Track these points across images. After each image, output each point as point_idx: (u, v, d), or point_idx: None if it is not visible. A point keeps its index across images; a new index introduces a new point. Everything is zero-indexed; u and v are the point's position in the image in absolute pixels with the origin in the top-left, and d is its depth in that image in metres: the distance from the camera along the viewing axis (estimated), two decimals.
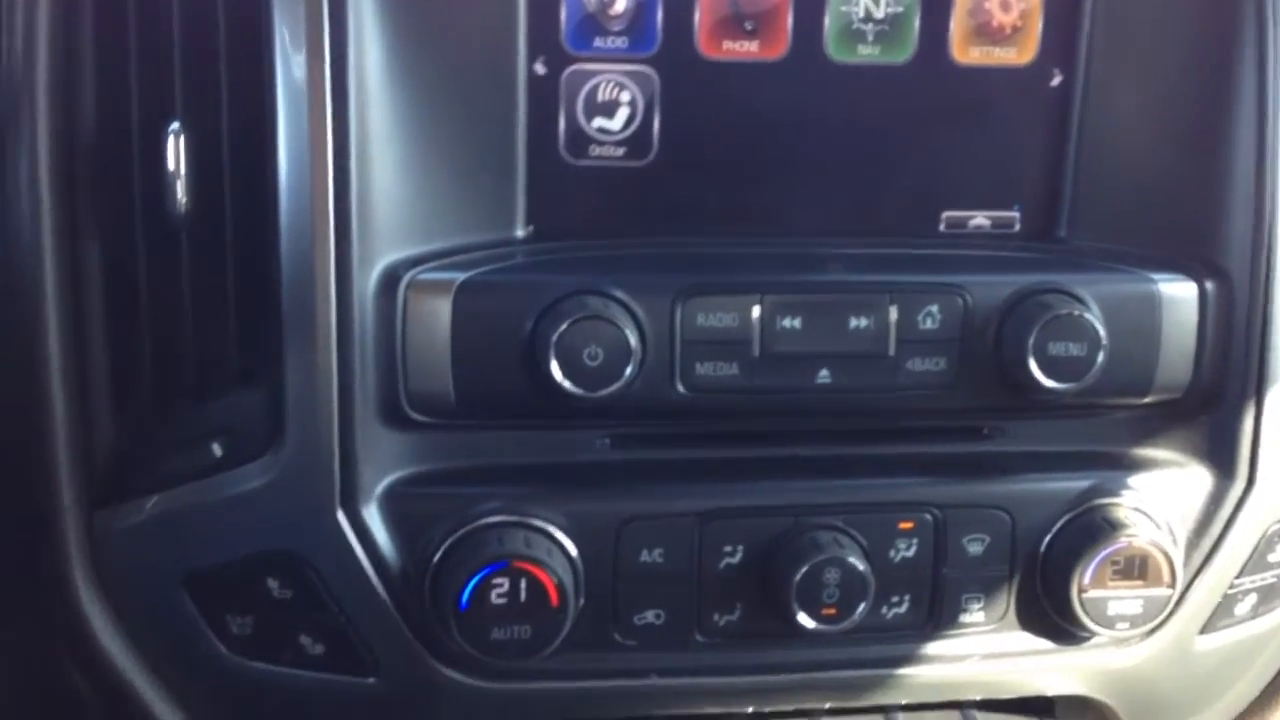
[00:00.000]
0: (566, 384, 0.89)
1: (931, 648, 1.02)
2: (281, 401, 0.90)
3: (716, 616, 0.98)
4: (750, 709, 1.06)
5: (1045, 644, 1.04)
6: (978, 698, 1.08)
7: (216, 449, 0.92)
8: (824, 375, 0.95)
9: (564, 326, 0.89)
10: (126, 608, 0.96)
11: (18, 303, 0.90)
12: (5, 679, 1.03)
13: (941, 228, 1.02)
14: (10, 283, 0.90)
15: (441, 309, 0.91)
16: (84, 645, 0.96)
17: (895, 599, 1.00)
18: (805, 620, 0.95)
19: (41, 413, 0.91)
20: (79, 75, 0.89)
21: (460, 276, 0.91)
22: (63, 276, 0.90)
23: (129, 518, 0.94)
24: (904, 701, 1.06)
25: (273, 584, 0.93)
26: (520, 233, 0.96)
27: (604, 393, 0.90)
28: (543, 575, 0.92)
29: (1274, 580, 1.06)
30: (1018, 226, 1.03)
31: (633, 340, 0.90)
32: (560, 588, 0.92)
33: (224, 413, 0.93)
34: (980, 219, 1.03)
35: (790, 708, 1.05)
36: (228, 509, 0.92)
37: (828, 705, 1.07)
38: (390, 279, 0.90)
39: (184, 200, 0.88)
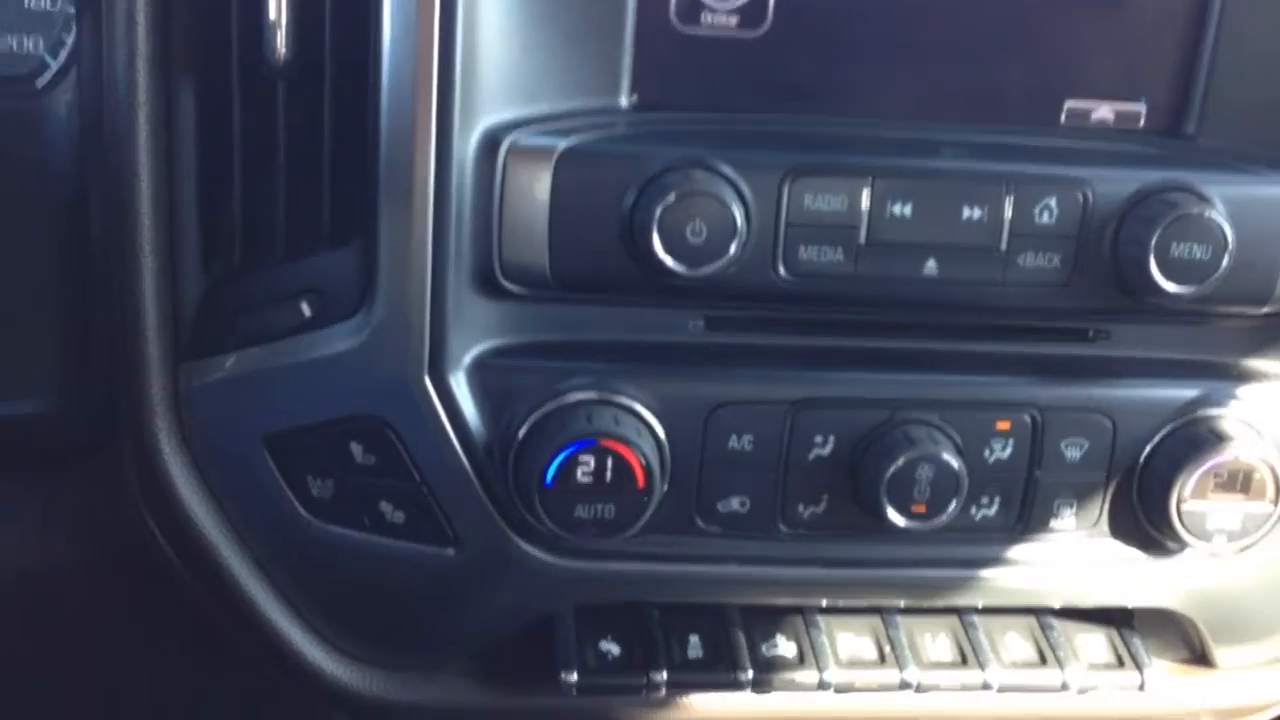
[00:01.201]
0: (668, 260, 0.85)
1: (1017, 551, 0.99)
2: (374, 263, 0.86)
3: (801, 508, 0.95)
4: (824, 602, 1.03)
5: (1134, 554, 1.00)
6: (1057, 605, 1.05)
7: (305, 308, 0.89)
8: (931, 267, 0.91)
9: (669, 200, 0.84)
10: (208, 464, 0.94)
11: (111, 152, 0.86)
12: (87, 531, 1.02)
13: (1063, 118, 0.96)
14: (105, 132, 0.86)
15: (542, 176, 0.86)
16: (164, 499, 0.94)
17: (985, 500, 0.96)
18: (895, 517, 0.92)
19: (131, 263, 0.88)
20: None
21: (563, 143, 0.86)
22: (157, 126, 0.87)
23: (213, 373, 0.91)
24: (982, 604, 1.03)
25: (355, 448, 0.90)
26: (624, 102, 0.91)
27: (705, 271, 0.86)
28: (630, 455, 0.88)
29: None
30: (1143, 121, 0.96)
31: (739, 218, 0.85)
32: (647, 469, 0.89)
33: (313, 272, 0.90)
34: (1104, 111, 0.96)
35: (866, 604, 1.02)
36: (313, 370, 0.89)
37: (903, 604, 1.04)
38: (491, 142, 0.86)
39: (283, 50, 0.84)
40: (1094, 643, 1.07)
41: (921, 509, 0.92)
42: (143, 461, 0.93)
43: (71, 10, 0.89)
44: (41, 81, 0.90)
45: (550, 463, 0.88)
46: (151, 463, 0.93)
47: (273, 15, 0.84)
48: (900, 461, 0.91)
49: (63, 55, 0.90)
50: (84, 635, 1.07)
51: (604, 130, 0.88)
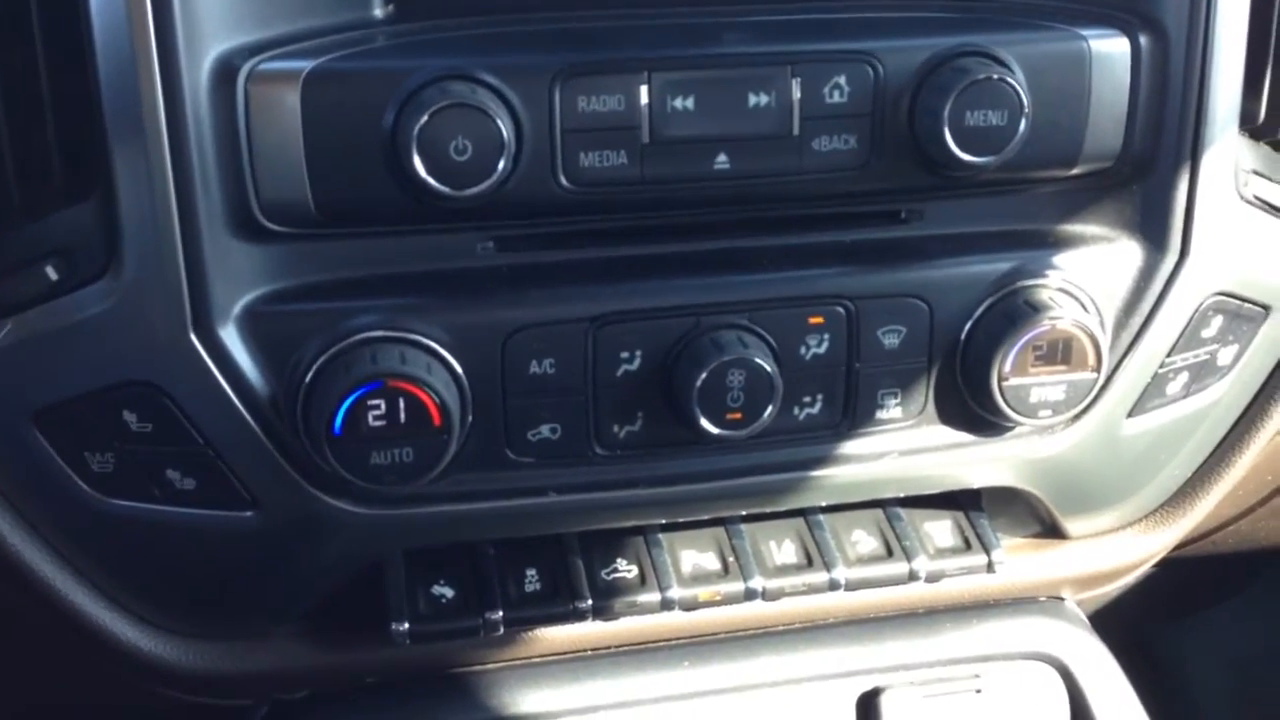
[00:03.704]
0: (432, 182, 0.76)
1: (847, 447, 0.92)
2: (115, 215, 0.77)
3: (616, 428, 0.87)
4: (662, 521, 0.96)
5: (966, 437, 0.94)
6: (899, 495, 0.99)
7: (50, 272, 0.79)
8: (722, 161, 0.83)
9: (425, 117, 0.75)
10: None
11: None
12: None
13: None
14: None
15: (289, 103, 0.77)
16: None
17: (807, 399, 0.89)
18: (709, 426, 0.84)
19: None
20: None
21: (307, 65, 0.77)
22: None
23: None
24: (821, 504, 0.97)
25: (129, 417, 0.81)
26: (378, 12, 0.81)
27: (474, 190, 0.77)
28: (422, 394, 0.80)
29: (1206, 357, 0.96)
30: None
31: (505, 130, 0.77)
32: (442, 407, 0.80)
33: (54, 231, 0.79)
34: None
35: (706, 517, 0.95)
36: (69, 337, 0.79)
37: (744, 512, 0.98)
38: (225, 70, 0.76)
39: None
40: (941, 529, 1.02)
41: (737, 416, 0.85)
42: None
43: None
44: None
45: (337, 410, 0.79)
46: None
47: None
48: (709, 369, 0.83)
49: None
50: None
51: (355, 46, 0.79)
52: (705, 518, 0.97)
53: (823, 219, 0.89)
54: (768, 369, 0.84)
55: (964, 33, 0.84)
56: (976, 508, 1.02)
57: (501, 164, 0.77)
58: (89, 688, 1.03)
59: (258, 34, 0.77)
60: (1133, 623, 1.20)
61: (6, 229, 0.79)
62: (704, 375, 0.83)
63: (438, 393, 0.80)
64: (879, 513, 1.01)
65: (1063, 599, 1.10)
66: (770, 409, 0.85)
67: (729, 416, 0.85)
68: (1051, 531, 1.06)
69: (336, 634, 0.94)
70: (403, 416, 0.80)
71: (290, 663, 0.94)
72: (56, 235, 0.79)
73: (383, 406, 0.80)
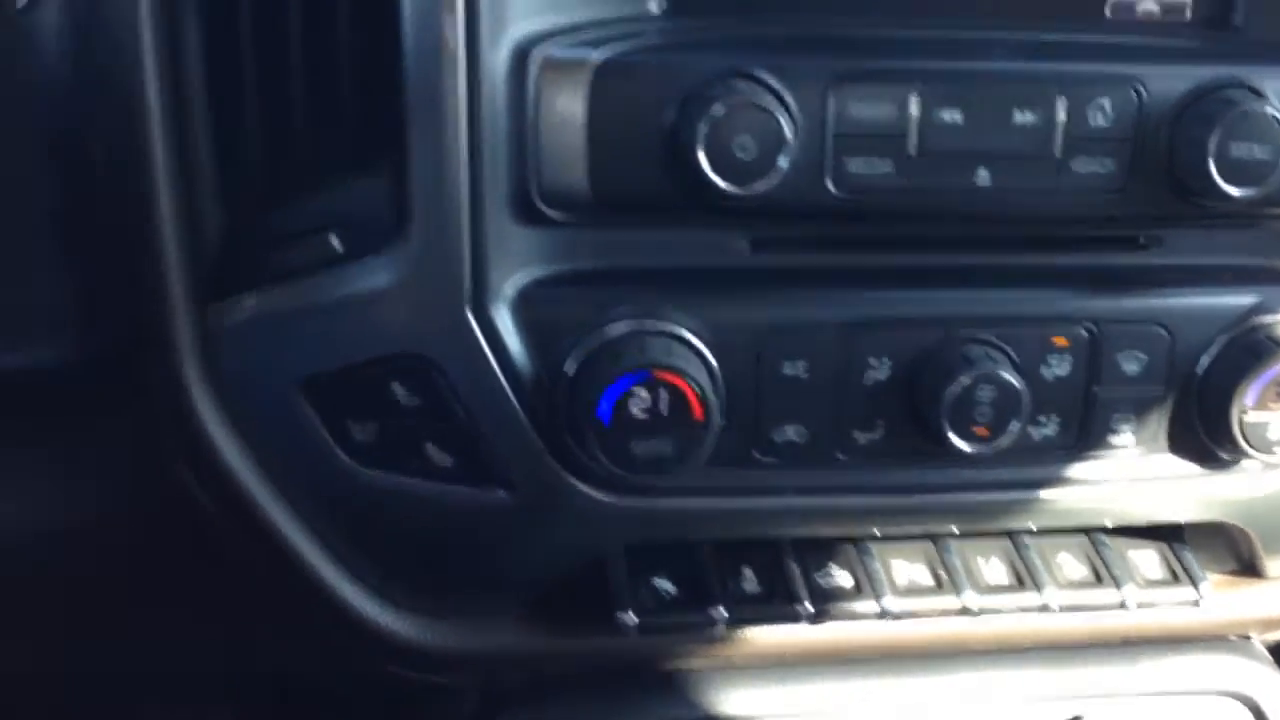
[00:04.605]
0: (715, 178, 0.77)
1: (1076, 471, 0.91)
2: (407, 190, 0.78)
3: (859, 434, 0.87)
4: (878, 531, 0.96)
5: (1191, 469, 0.93)
6: (1111, 524, 0.98)
7: (335, 242, 0.80)
8: (983, 176, 0.83)
9: (715, 114, 0.76)
10: (243, 411, 0.85)
11: (116, 79, 0.77)
12: (122, 487, 0.93)
13: (1107, 13, 0.88)
14: (102, 56, 0.77)
15: (578, 90, 0.78)
16: (200, 450, 0.85)
17: (1043, 419, 0.89)
18: (957, 440, 0.84)
19: (147, 201, 0.79)
20: None
21: (597, 54, 0.78)
22: (162, 54, 0.78)
23: (241, 313, 0.83)
24: (1039, 526, 0.96)
25: (398, 389, 0.82)
26: (654, 7, 0.83)
27: (755, 188, 0.78)
28: (686, 387, 0.81)
29: None
30: (1189, 14, 0.88)
31: (787, 130, 0.77)
32: (704, 400, 0.81)
33: (341, 202, 0.81)
34: (1149, 4, 0.88)
35: (920, 531, 0.95)
36: (347, 307, 0.81)
37: (957, 530, 0.97)
38: (520, 54, 0.78)
39: None
40: (1146, 559, 1.00)
41: (983, 431, 0.85)
42: (174, 410, 0.84)
43: None
44: (21, 2, 0.81)
45: (604, 397, 0.80)
46: (183, 412, 0.84)
47: None
48: (961, 383, 0.83)
49: None
50: (120, 593, 0.99)
51: (638, 39, 0.80)
52: (919, 531, 0.97)
53: (1066, 241, 0.89)
54: (1017, 385, 0.84)
55: (1224, 63, 0.84)
56: (1179, 540, 1.01)
57: (782, 163, 0.77)
58: (313, 656, 1.04)
59: (549, 21, 0.79)
60: None
61: (293, 196, 0.81)
62: (955, 388, 0.83)
63: (700, 386, 0.81)
64: (1084, 538, 1.00)
65: (1249, 638, 1.08)
66: (1016, 425, 0.85)
67: (975, 431, 0.85)
68: (1248, 569, 1.04)
69: (560, 621, 0.94)
70: (665, 408, 0.81)
71: (514, 644, 0.94)
72: (342, 206, 0.81)
73: (647, 397, 0.80)
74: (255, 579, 0.91)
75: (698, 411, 0.81)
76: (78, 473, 0.92)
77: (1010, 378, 0.84)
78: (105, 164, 0.82)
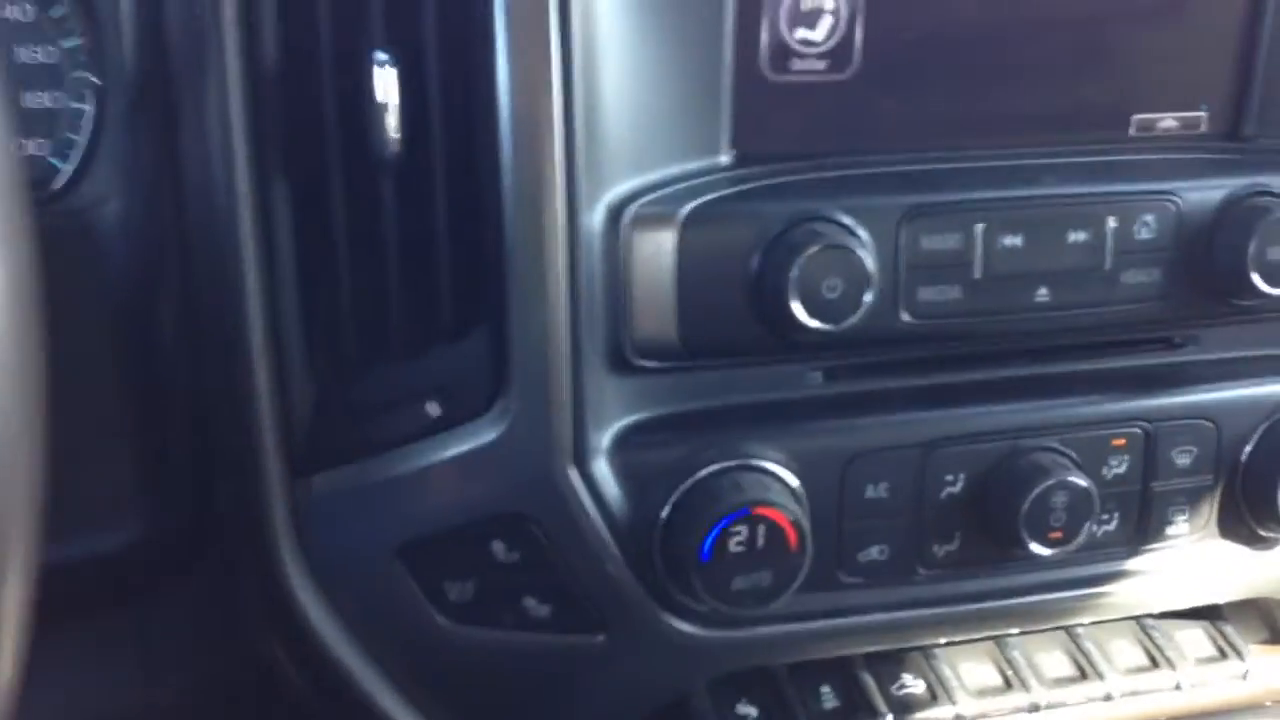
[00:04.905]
0: (807, 319, 0.79)
1: (1134, 563, 0.95)
2: (506, 352, 0.79)
3: (937, 548, 0.90)
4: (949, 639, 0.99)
5: (1238, 550, 0.97)
6: (1163, 609, 1.02)
7: (433, 408, 0.80)
8: (1043, 293, 0.87)
9: (803, 258, 0.79)
10: (336, 582, 0.84)
11: (213, 260, 0.77)
12: (215, 665, 0.91)
13: (1132, 131, 0.93)
14: (210, 240, 0.77)
15: (666, 243, 0.80)
16: (292, 623, 0.84)
17: (1105, 517, 0.92)
18: (1035, 546, 0.88)
19: (244, 375, 0.79)
20: (265, 8, 0.76)
21: (685, 208, 0.80)
22: (258, 229, 0.78)
23: (337, 485, 0.82)
24: (1102, 619, 1.00)
25: (498, 547, 0.82)
26: (724, 159, 0.85)
27: (847, 324, 0.80)
28: (782, 519, 0.82)
29: None
30: (1204, 127, 0.94)
31: (871, 267, 0.80)
32: (799, 530, 0.83)
33: (436, 369, 0.81)
34: (1169, 120, 0.94)
35: (1011, 632, 0.98)
36: (448, 472, 0.81)
37: (1017, 631, 1.00)
38: (614, 214, 0.79)
39: (395, 136, 0.75)
40: (1193, 638, 1.04)
41: (1058, 535, 0.88)
42: (266, 586, 0.83)
43: (86, 107, 0.80)
44: (57, 185, 0.80)
45: (706, 537, 0.81)
46: (277, 587, 0.83)
47: (380, 98, 0.75)
48: (1036, 490, 0.87)
49: (76, 156, 0.81)
50: None
51: (716, 191, 0.82)
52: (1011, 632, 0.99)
53: (1107, 345, 0.93)
54: (1089, 489, 0.87)
55: (1254, 174, 0.89)
56: (1220, 617, 1.06)
57: (868, 297, 0.80)
58: None
59: (636, 180, 0.81)
60: None
61: (383, 366, 0.81)
62: (1031, 496, 0.87)
63: (796, 517, 0.82)
64: (1134, 624, 1.04)
65: None
66: (1088, 526, 0.88)
67: (1051, 535, 0.88)
68: (1277, 638, 1.09)
69: None
70: (761, 541, 0.82)
71: None
72: (438, 372, 0.81)
73: (745, 533, 0.82)
74: None
75: (793, 542, 0.83)
76: (157, 655, 0.90)
77: (1081, 481, 0.87)
78: (169, 343, 0.82)
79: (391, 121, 0.75)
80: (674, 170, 0.82)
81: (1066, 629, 1.03)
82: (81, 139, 0.81)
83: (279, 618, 0.84)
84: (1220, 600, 1.01)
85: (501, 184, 0.76)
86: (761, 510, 0.82)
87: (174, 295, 0.83)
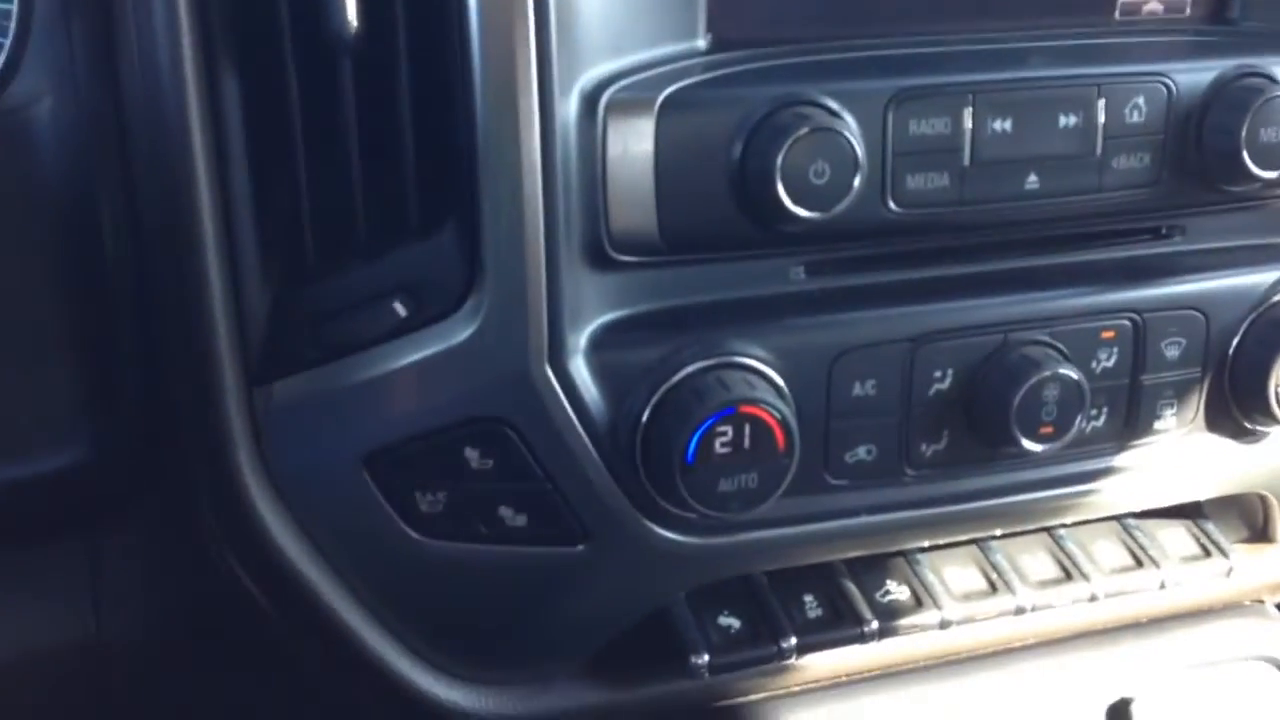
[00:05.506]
0: (794, 207, 0.76)
1: (1121, 459, 0.93)
2: (478, 248, 0.75)
3: (924, 447, 0.87)
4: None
5: (1226, 444, 0.96)
6: (1151, 506, 1.00)
7: (399, 308, 0.76)
8: (1032, 181, 0.84)
9: (789, 141, 0.75)
10: (299, 496, 0.80)
11: (161, 157, 0.72)
12: (172, 590, 0.87)
13: (1117, 15, 0.90)
14: (156, 135, 0.72)
15: (643, 130, 0.76)
16: (253, 541, 0.80)
17: (1094, 412, 0.90)
18: (1026, 441, 0.85)
19: (194, 281, 0.74)
20: None
21: (662, 92, 0.76)
22: (206, 123, 0.73)
23: (297, 393, 0.78)
24: (1108, 514, 0.98)
25: (471, 454, 0.79)
26: (701, 43, 0.81)
27: (834, 212, 0.77)
28: (769, 418, 0.79)
29: None
30: (1188, 10, 0.91)
31: (859, 151, 0.77)
32: (786, 430, 0.80)
33: (401, 268, 0.77)
34: (1154, 3, 0.91)
35: (994, 533, 0.96)
36: (417, 374, 0.77)
37: (999, 532, 0.99)
38: (589, 100, 0.75)
39: (354, 21, 0.70)
40: (1176, 537, 1.03)
41: (1049, 430, 0.86)
42: (224, 501, 0.79)
43: (9, 5, 0.75)
44: None
45: (690, 438, 0.78)
46: (236, 503, 0.79)
47: None
48: (1028, 384, 0.84)
49: (1, 56, 0.75)
50: (162, 701, 0.92)
51: (696, 75, 0.78)
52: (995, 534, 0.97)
53: (1099, 236, 0.91)
54: (1080, 381, 0.85)
55: (1238, 55, 0.86)
56: (1201, 515, 1.04)
57: (857, 183, 0.77)
58: None
59: (610, 65, 0.76)
60: None
61: (352, 265, 0.77)
62: (1023, 390, 0.84)
63: (783, 415, 0.79)
64: (1115, 525, 1.03)
65: (1264, 602, 1.13)
66: (1079, 420, 0.86)
67: (1042, 430, 0.86)
68: (1259, 536, 1.08)
69: (626, 673, 0.92)
70: (748, 442, 0.79)
71: (582, 701, 0.91)
72: (404, 271, 0.77)
73: (730, 433, 0.79)
74: (307, 663, 0.87)
75: (781, 442, 0.80)
76: (110, 582, 0.85)
77: (1073, 374, 0.85)
78: (113, 252, 0.77)
79: (351, 6, 0.70)
80: (650, 55, 0.78)
81: (1049, 531, 1.01)
82: (6, 39, 0.76)
83: (239, 536, 0.80)
84: (1208, 496, 1.00)
85: (471, 68, 0.72)
86: (748, 409, 0.79)
87: (116, 196, 0.78)
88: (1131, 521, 1.03)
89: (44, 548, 0.83)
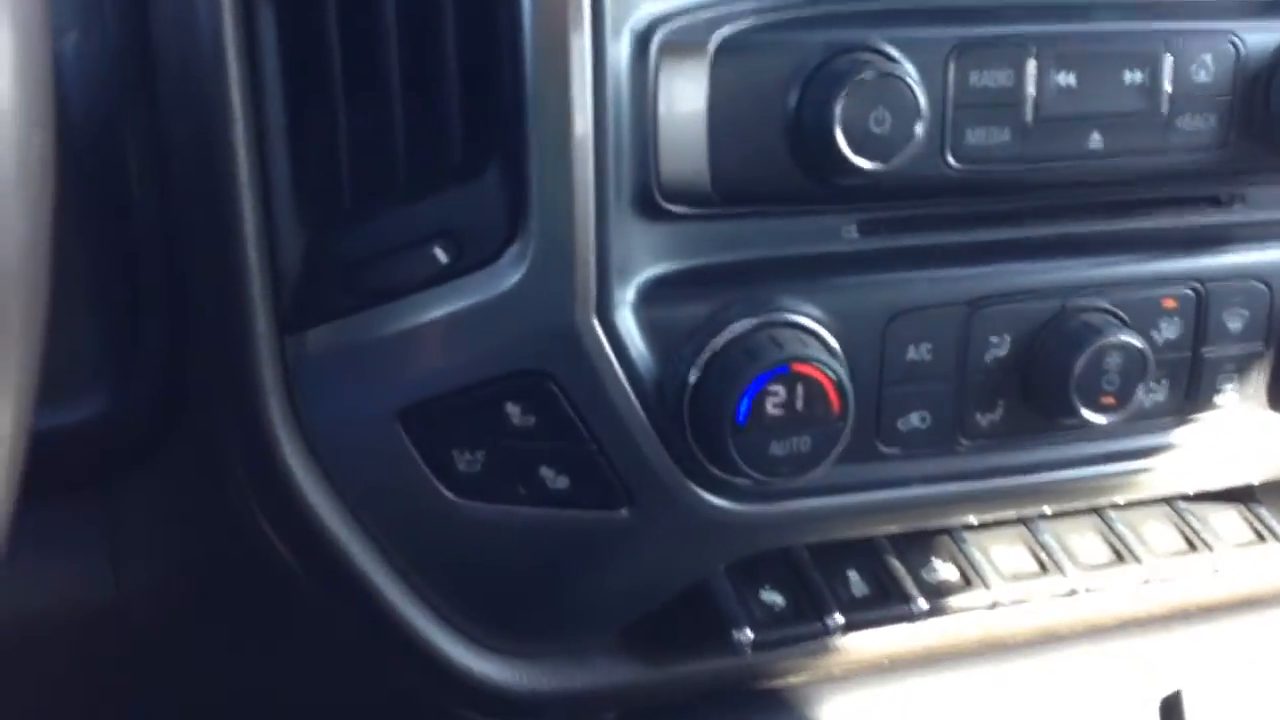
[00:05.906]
0: (854, 157, 0.73)
1: (1180, 435, 0.90)
2: (525, 192, 0.72)
3: (979, 416, 0.84)
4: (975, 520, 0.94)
5: None
6: (1213, 487, 0.97)
7: (439, 254, 0.73)
8: (1095, 139, 0.81)
9: (850, 86, 0.72)
10: (332, 451, 0.77)
11: (193, 92, 0.70)
12: (196, 547, 0.84)
13: None
14: (187, 70, 0.69)
15: (697, 74, 0.73)
16: (282, 499, 0.77)
17: (1154, 384, 0.87)
18: (1086, 411, 0.82)
19: (227, 223, 0.71)
20: None
21: (717, 35, 0.73)
22: (243, 55, 0.70)
23: (332, 342, 0.75)
24: (1173, 492, 0.95)
25: (512, 410, 0.76)
26: None
27: (894, 163, 0.74)
28: (823, 378, 0.76)
29: None
30: None
31: (922, 100, 0.74)
32: (841, 391, 0.77)
33: (443, 211, 0.73)
34: None
35: (1049, 510, 0.93)
36: (457, 324, 0.74)
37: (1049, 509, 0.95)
38: (641, 40, 0.72)
39: None
40: (1228, 521, 1.00)
41: (1110, 400, 0.83)
42: (255, 455, 0.76)
43: None
44: None
45: (741, 398, 0.75)
46: (266, 456, 0.76)
47: None
48: (1089, 351, 0.81)
49: None
50: (184, 652, 0.89)
51: (750, 19, 0.75)
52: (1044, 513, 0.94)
53: (1156, 203, 0.88)
54: (1144, 349, 0.82)
55: None
56: (1254, 500, 1.01)
57: (918, 132, 0.74)
58: (394, 707, 0.95)
59: (665, 5, 0.73)
60: None
61: (390, 209, 0.74)
62: (1084, 358, 0.81)
63: (838, 376, 0.76)
64: (1165, 507, 1.00)
65: None
66: (1140, 390, 0.83)
67: (1103, 400, 0.82)
68: None
69: (664, 649, 0.89)
70: (801, 403, 0.76)
71: (618, 678, 0.88)
72: (445, 215, 0.73)
73: (783, 393, 0.76)
74: (334, 627, 0.83)
75: (835, 404, 0.77)
76: (131, 538, 0.82)
77: (1136, 341, 0.82)
78: (140, 195, 0.74)
79: None
80: None
81: (1098, 512, 0.98)
82: None
83: (267, 491, 0.77)
84: (1268, 478, 0.96)
85: (520, 3, 0.69)
86: (801, 368, 0.75)
87: (143, 135, 0.75)
88: (1183, 504, 1.00)
89: (63, 502, 0.80)
